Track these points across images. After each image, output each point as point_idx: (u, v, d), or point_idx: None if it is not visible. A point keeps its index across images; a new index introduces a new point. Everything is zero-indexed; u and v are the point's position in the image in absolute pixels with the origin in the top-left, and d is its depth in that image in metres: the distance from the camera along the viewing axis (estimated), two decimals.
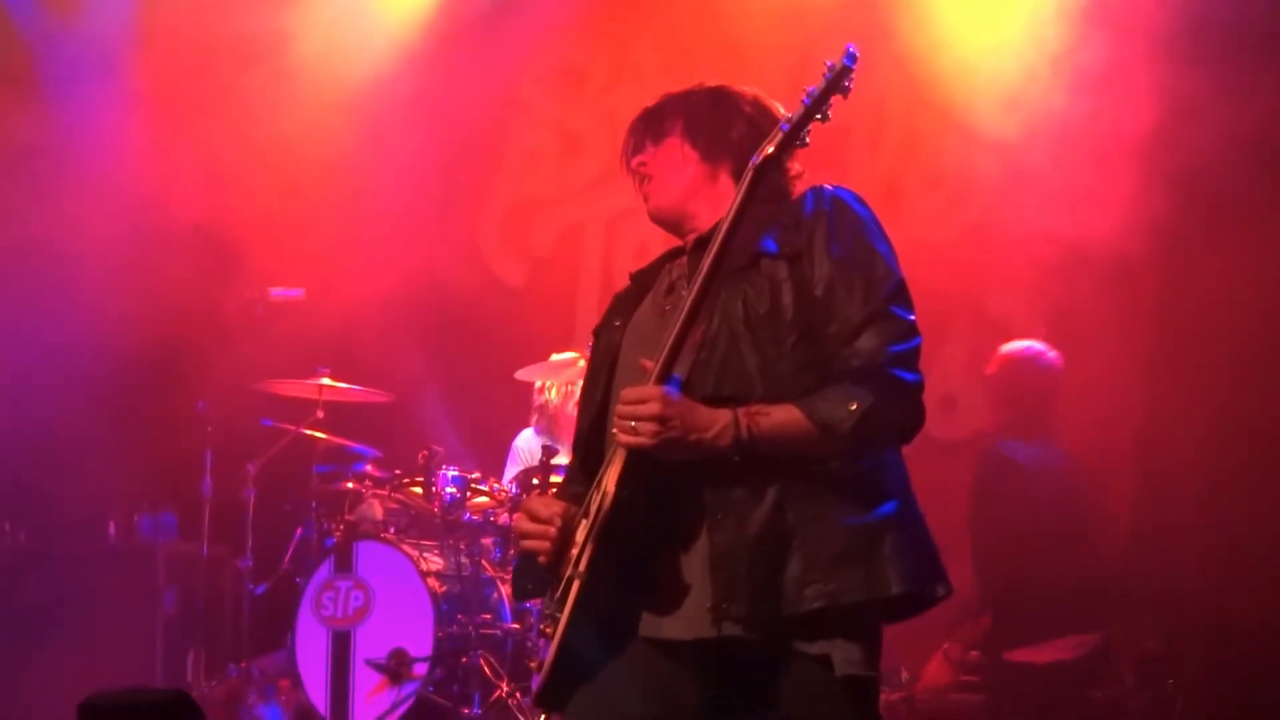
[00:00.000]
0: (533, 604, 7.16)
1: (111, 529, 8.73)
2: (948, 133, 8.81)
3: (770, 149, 3.22)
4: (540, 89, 9.98)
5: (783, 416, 3.13)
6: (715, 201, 3.42)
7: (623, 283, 3.70)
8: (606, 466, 3.22)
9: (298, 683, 7.53)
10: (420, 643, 7.28)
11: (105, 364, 8.73)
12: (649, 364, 3.19)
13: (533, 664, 3.40)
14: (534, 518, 3.34)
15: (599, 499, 3.19)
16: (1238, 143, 7.52)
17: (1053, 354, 7.29)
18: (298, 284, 8.38)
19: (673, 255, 3.56)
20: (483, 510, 7.57)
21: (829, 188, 3.33)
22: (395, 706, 7.24)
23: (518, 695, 6.94)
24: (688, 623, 3.19)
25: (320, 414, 8.17)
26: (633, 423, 3.12)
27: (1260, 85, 7.60)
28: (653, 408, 3.10)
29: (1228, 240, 7.50)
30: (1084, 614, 6.96)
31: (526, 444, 8.23)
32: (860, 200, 3.36)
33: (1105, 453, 8.05)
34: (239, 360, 8.25)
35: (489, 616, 7.36)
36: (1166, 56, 7.78)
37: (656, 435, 3.09)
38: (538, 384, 8.22)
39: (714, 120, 3.45)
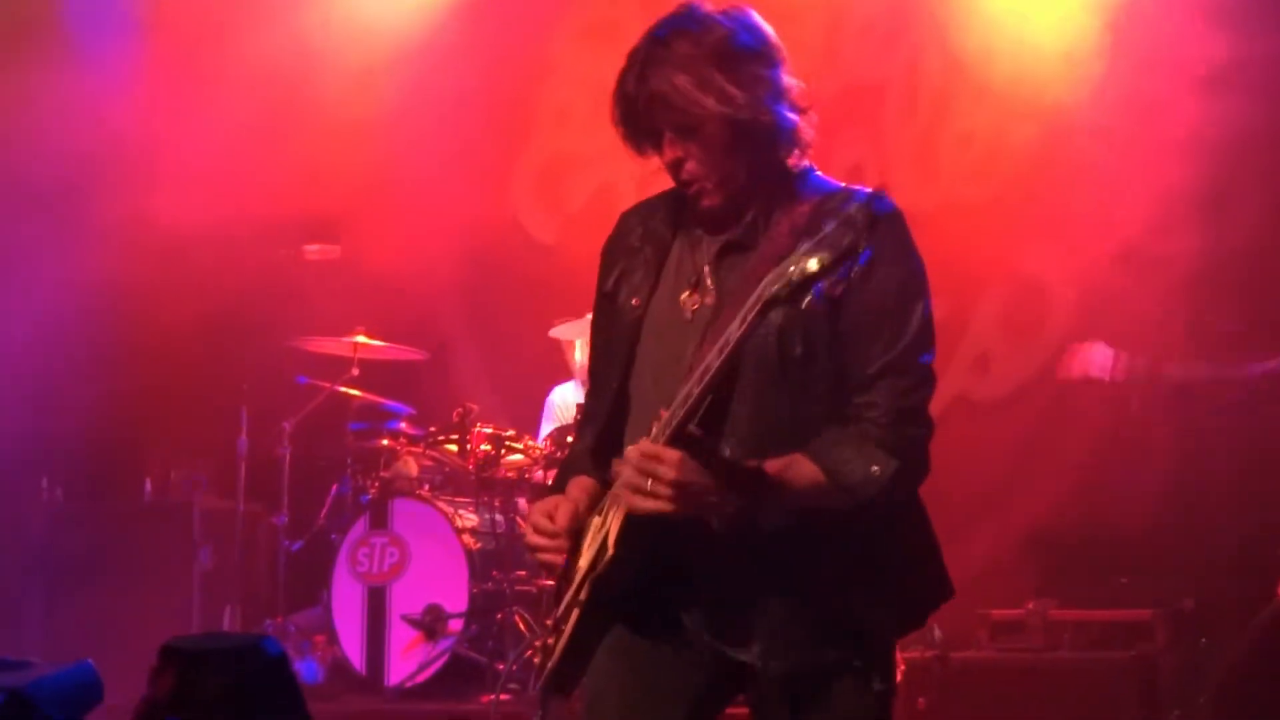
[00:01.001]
0: None
1: (148, 486, 8.78)
2: (982, 92, 8.77)
3: (776, 288, 2.88)
4: (572, 45, 9.97)
5: (804, 481, 3.04)
6: (764, 195, 3.22)
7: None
8: (608, 512, 3.14)
9: (333, 638, 7.59)
10: (455, 598, 7.32)
11: (141, 324, 8.77)
12: (665, 414, 3.05)
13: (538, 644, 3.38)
14: (540, 531, 3.25)
15: (599, 543, 3.13)
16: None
17: None
18: (333, 242, 8.38)
19: (684, 202, 3.35)
20: (517, 467, 7.59)
21: (876, 204, 2.91)
22: (430, 662, 7.28)
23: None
24: (727, 646, 3.17)
25: (355, 371, 8.20)
26: (647, 482, 2.99)
27: None
28: (668, 474, 2.97)
29: (1265, 195, 7.47)
30: None
31: (562, 398, 8.25)
32: (904, 225, 3.16)
33: (1140, 410, 8.03)
34: (275, 318, 8.26)
35: (523, 573, 7.38)
36: (1216, 24, 7.75)
37: (670, 501, 2.98)
38: (577, 343, 8.21)
39: (750, 106, 3.16)
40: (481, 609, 7.28)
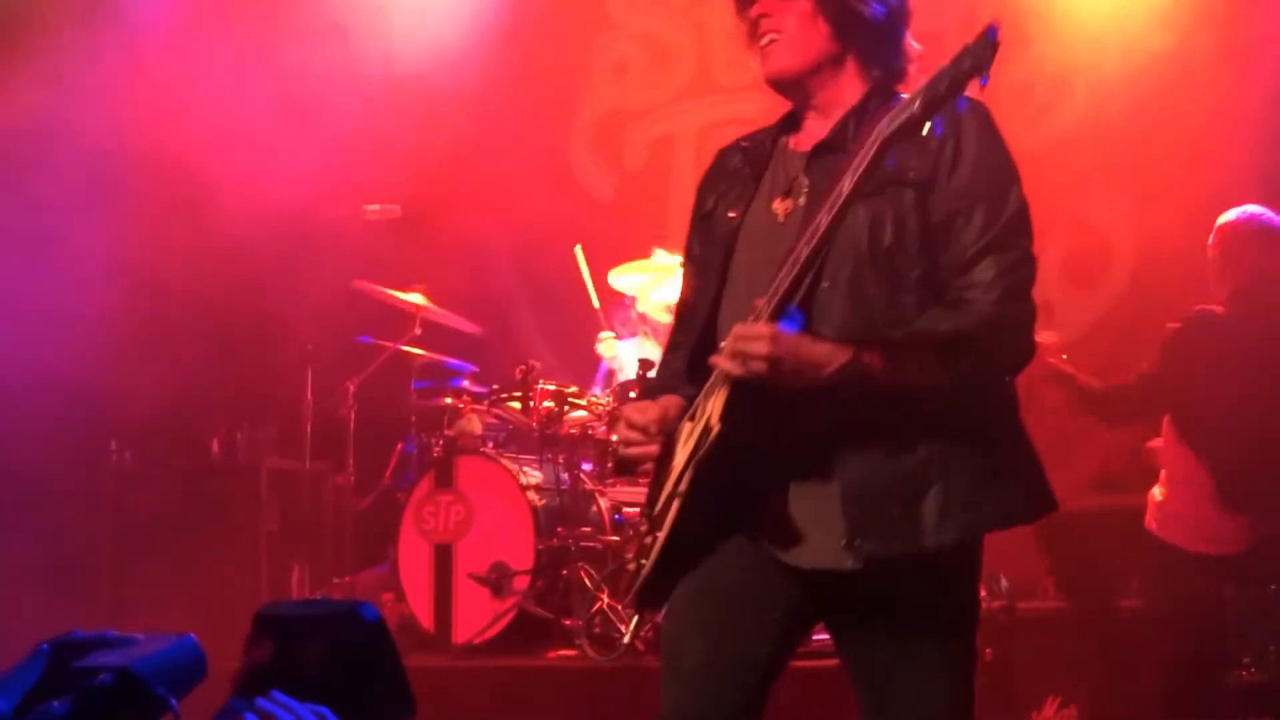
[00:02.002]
0: (633, 515, 7.22)
1: (215, 446, 8.84)
2: (1040, 39, 8.71)
3: (899, 122, 2.97)
4: (627, 0, 9.95)
5: (898, 351, 3.06)
6: (839, 86, 3.31)
7: None
8: (709, 394, 3.15)
9: (401, 596, 7.63)
10: (521, 556, 7.35)
11: (206, 286, 8.82)
12: (760, 303, 3.10)
13: (629, 565, 3.38)
14: (632, 425, 3.31)
15: (700, 428, 3.14)
16: None
17: (1270, 216, 6.55)
18: (393, 201, 8.39)
19: (784, 129, 3.43)
20: (580, 424, 7.61)
21: (961, 102, 3.02)
22: (497, 619, 7.32)
23: (618, 606, 7.00)
24: (816, 553, 3.15)
25: (418, 330, 8.23)
26: (742, 360, 3.03)
27: None
28: (762, 347, 3.00)
29: None
30: None
31: (619, 354, 8.23)
32: (990, 117, 3.24)
33: None
34: (338, 274, 8.30)
35: (588, 529, 7.41)
36: None
37: (766, 373, 3.00)
38: (629, 293, 8.21)
39: None
40: (547, 565, 7.31)
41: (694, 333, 3.38)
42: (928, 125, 2.92)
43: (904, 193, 3.13)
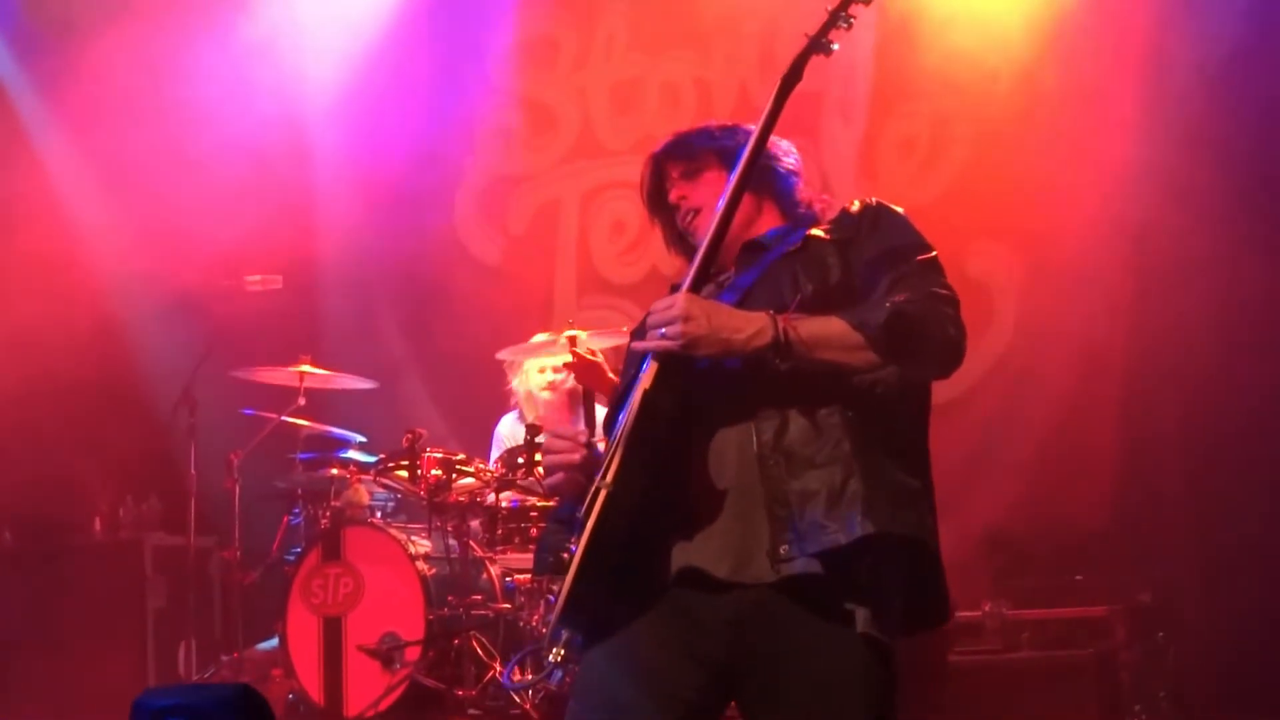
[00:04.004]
0: (524, 582, 7.16)
1: (97, 524, 8.71)
2: (923, 97, 8.80)
3: (794, 61, 3.30)
4: (511, 64, 9.95)
5: (820, 320, 3.12)
6: (759, 226, 3.51)
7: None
8: (635, 385, 3.19)
9: (290, 671, 7.51)
10: (411, 626, 7.27)
11: (84, 362, 8.71)
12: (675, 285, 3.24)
13: (554, 588, 3.35)
14: (560, 436, 3.35)
15: (627, 413, 3.16)
16: (1219, 99, 7.57)
17: None
18: (274, 272, 8.32)
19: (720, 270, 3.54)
20: (469, 491, 7.55)
21: (871, 198, 3.40)
22: (389, 691, 7.22)
23: (512, 675, 6.92)
24: (736, 563, 3.14)
25: (302, 401, 8.14)
26: (660, 330, 3.10)
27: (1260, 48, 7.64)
28: (676, 309, 3.08)
29: (1206, 194, 7.51)
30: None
31: (509, 429, 8.21)
32: (901, 209, 3.42)
33: (1088, 408, 8.07)
34: (219, 350, 8.20)
35: (479, 597, 7.34)
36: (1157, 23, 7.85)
37: (682, 335, 3.06)
38: (527, 365, 8.20)
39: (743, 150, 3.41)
40: (438, 635, 7.23)
41: (613, 415, 3.45)
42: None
43: (827, 249, 3.29)
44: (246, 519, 8.20)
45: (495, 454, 8.01)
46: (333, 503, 7.87)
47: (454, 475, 7.51)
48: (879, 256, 3.26)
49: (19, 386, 8.56)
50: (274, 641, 7.76)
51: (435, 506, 7.48)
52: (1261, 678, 6.84)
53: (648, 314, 3.45)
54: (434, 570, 7.40)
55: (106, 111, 9.34)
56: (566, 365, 7.31)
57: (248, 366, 8.20)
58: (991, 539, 8.00)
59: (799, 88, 3.35)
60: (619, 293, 9.32)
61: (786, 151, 3.58)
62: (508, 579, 7.36)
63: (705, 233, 3.38)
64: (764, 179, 3.50)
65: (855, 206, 3.38)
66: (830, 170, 8.92)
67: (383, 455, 7.81)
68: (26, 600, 8.23)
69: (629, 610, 3.23)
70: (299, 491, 8.10)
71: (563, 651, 3.26)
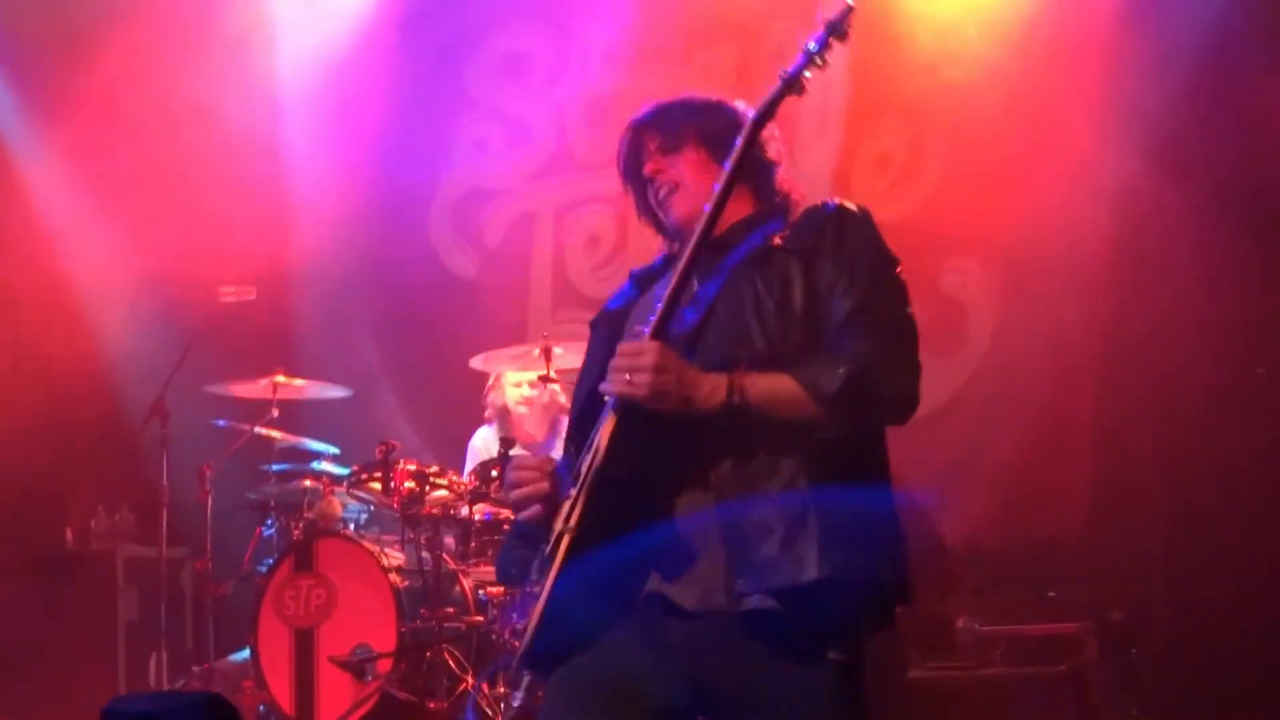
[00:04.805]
0: (497, 595, 7.15)
1: (69, 535, 8.68)
2: (898, 112, 8.82)
3: (767, 100, 3.28)
4: (485, 78, 9.94)
5: (773, 380, 3.14)
6: (731, 211, 3.40)
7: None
8: (598, 428, 3.20)
9: (262, 683, 7.49)
10: (384, 638, 7.25)
11: (58, 373, 8.68)
12: (640, 328, 3.21)
13: (517, 626, 3.36)
14: (524, 467, 3.36)
15: (591, 457, 3.17)
16: (1188, 98, 7.59)
17: None
18: (248, 284, 8.30)
19: (676, 257, 3.49)
20: (442, 504, 7.54)
21: (836, 200, 3.38)
22: (360, 703, 7.20)
23: (483, 688, 6.92)
24: (702, 594, 3.16)
25: (275, 412, 8.13)
26: (627, 375, 3.11)
27: (1223, 41, 7.65)
28: (648, 358, 3.09)
29: (1180, 199, 7.54)
30: None
31: (484, 442, 8.20)
32: (867, 211, 3.41)
33: (1062, 424, 8.08)
34: (193, 362, 8.17)
35: (452, 610, 7.32)
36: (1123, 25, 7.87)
37: (650, 386, 3.08)
38: (490, 380, 8.20)
39: (725, 131, 3.41)
40: (411, 647, 7.21)
41: (575, 418, 3.48)
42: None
43: (790, 261, 3.26)
44: (219, 530, 8.18)
45: (469, 466, 8.00)
46: (305, 514, 7.86)
47: (427, 488, 7.49)
48: (841, 279, 3.25)
49: None
50: (245, 653, 7.74)
51: (408, 519, 7.47)
52: (1232, 695, 6.85)
53: (605, 307, 3.60)
54: (407, 582, 7.38)
55: (81, 121, 9.32)
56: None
57: (221, 379, 8.19)
58: (964, 556, 8.02)
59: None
60: (594, 306, 9.21)
61: (769, 139, 3.53)
62: (480, 592, 7.34)
63: (678, 215, 3.44)
64: (738, 159, 3.43)
65: (822, 209, 3.36)
66: (804, 179, 8.92)
67: (356, 467, 7.79)
68: None
69: (598, 630, 3.23)
70: (271, 503, 8.09)
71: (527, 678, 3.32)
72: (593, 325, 3.65)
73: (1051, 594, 7.51)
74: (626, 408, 3.13)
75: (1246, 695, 6.80)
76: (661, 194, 3.51)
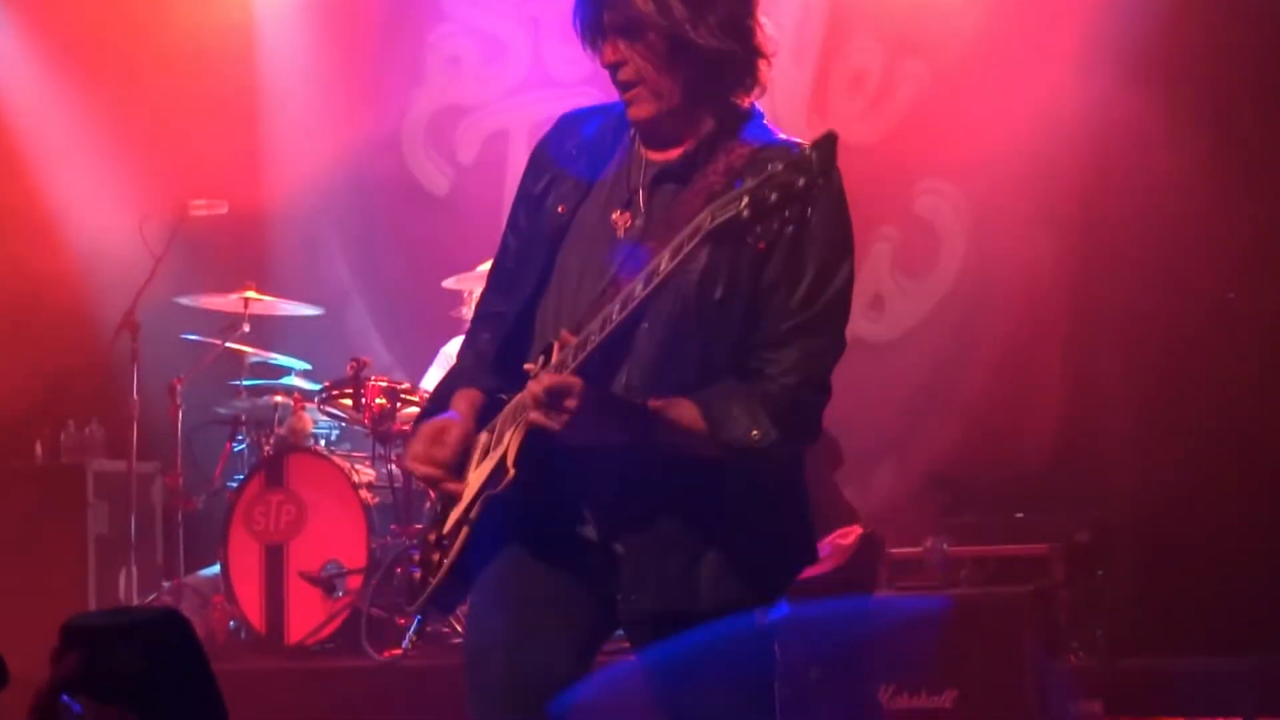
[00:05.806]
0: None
1: (38, 449, 8.66)
2: (873, 32, 8.78)
3: (723, 219, 2.80)
4: None
5: (685, 425, 3.02)
6: (696, 117, 3.17)
7: None
8: (508, 422, 3.13)
9: (232, 598, 7.52)
10: (354, 554, 7.28)
11: (25, 287, 8.65)
12: (570, 338, 3.04)
13: (415, 575, 3.36)
14: (433, 461, 3.23)
15: (495, 462, 3.11)
16: (1164, 33, 7.57)
17: None
18: (220, 197, 8.26)
19: (626, 128, 3.27)
20: (413, 421, 7.52)
21: (829, 152, 2.82)
22: (330, 619, 7.24)
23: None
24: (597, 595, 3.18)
25: (246, 328, 8.11)
26: (544, 408, 2.97)
27: None
28: (572, 399, 2.94)
29: (1153, 134, 7.53)
30: None
31: (456, 351, 8.18)
32: (840, 184, 3.10)
33: (1033, 349, 8.11)
34: (163, 276, 8.13)
35: (421, 526, 7.34)
36: None
37: (565, 424, 2.95)
38: (464, 295, 8.17)
39: (694, 24, 3.06)
40: (381, 563, 7.23)
41: (510, 317, 3.32)
42: (756, 233, 2.81)
43: (743, 251, 3.02)
44: (189, 445, 8.18)
45: (436, 372, 7.97)
46: (276, 430, 7.86)
47: (398, 404, 7.50)
48: (789, 277, 3.06)
49: None
50: (216, 568, 7.76)
51: (379, 435, 7.48)
52: (1198, 618, 6.91)
53: (549, 151, 3.35)
54: (377, 499, 7.41)
55: (53, 35, 9.25)
56: None
57: (192, 292, 8.16)
58: (934, 477, 8.06)
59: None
60: None
61: (751, 26, 3.15)
62: None
63: (636, 116, 3.16)
64: (707, 58, 3.11)
65: (799, 179, 2.77)
66: (781, 110, 8.90)
67: (327, 384, 7.79)
68: None
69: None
70: (242, 418, 8.10)
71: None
72: (535, 197, 3.37)
73: (1019, 515, 7.55)
74: (534, 434, 3.02)
75: (1210, 617, 6.86)
76: (619, 90, 3.18)
